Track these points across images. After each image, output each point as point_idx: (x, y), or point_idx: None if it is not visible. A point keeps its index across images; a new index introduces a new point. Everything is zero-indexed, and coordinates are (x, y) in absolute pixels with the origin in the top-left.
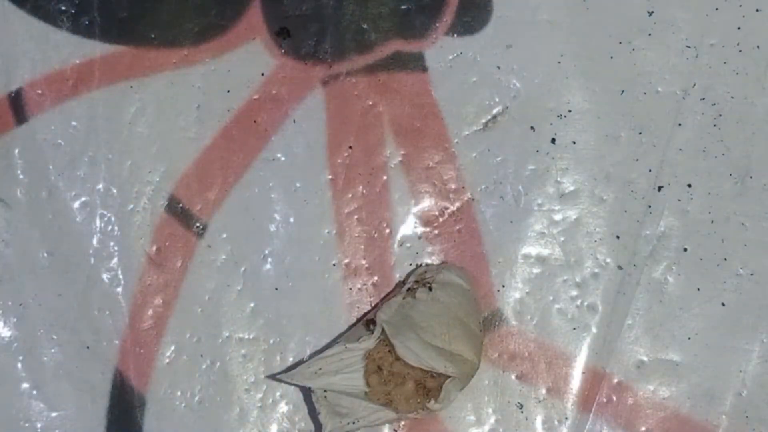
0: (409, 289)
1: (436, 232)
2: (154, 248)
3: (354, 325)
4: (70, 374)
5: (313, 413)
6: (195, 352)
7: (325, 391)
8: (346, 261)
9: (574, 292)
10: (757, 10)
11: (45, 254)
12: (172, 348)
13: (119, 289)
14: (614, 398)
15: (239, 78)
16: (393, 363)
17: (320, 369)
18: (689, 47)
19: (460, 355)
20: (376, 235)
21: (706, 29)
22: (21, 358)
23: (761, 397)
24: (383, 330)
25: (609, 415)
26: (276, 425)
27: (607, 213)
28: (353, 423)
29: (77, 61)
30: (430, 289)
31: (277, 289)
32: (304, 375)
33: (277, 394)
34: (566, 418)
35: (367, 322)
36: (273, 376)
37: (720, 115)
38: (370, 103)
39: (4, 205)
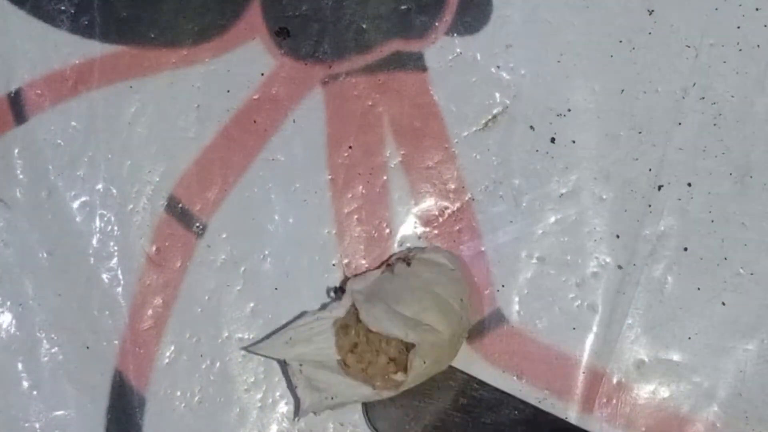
0: (388, 264)
1: (435, 232)
2: (154, 248)
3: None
4: (69, 374)
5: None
6: (195, 352)
7: (300, 364)
8: (346, 261)
9: (574, 292)
10: (757, 9)
11: (44, 254)
12: (172, 348)
13: (119, 289)
14: (614, 398)
15: (239, 78)
16: (366, 335)
17: (290, 338)
18: (689, 47)
19: (428, 326)
20: (376, 235)
21: (705, 29)
22: (20, 358)
23: (761, 397)
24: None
25: (609, 414)
26: (276, 425)
27: (606, 212)
28: (331, 399)
29: (77, 61)
30: (409, 264)
31: (276, 288)
32: (275, 346)
33: (277, 394)
34: (566, 417)
35: (335, 288)
36: (246, 348)
37: (720, 115)
38: (370, 103)
39: (4, 205)
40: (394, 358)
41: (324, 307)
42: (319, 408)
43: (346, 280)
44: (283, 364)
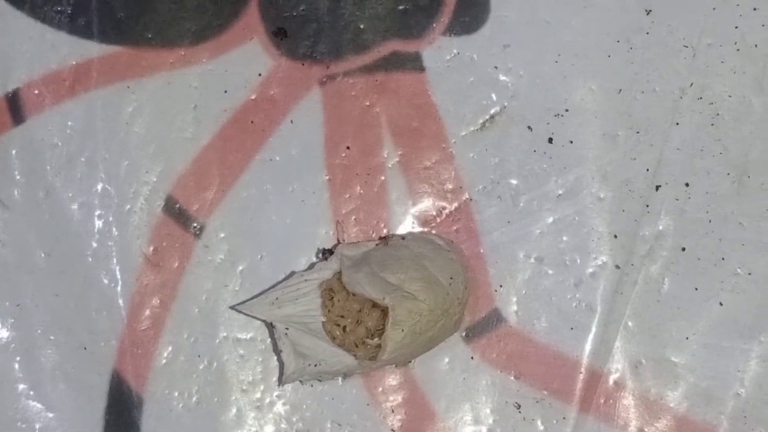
0: (382, 238)
1: (433, 232)
2: (152, 248)
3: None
4: (67, 375)
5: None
6: (192, 352)
7: (286, 328)
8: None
9: (572, 292)
10: (755, 9)
11: (42, 255)
12: (170, 348)
13: (117, 290)
14: (612, 398)
15: (236, 78)
16: (347, 302)
17: (277, 299)
18: (687, 46)
19: (409, 293)
20: (374, 236)
21: (703, 28)
22: (18, 358)
23: (759, 397)
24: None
25: (607, 415)
26: (273, 425)
27: (604, 212)
28: (315, 366)
29: (74, 62)
30: (403, 238)
31: None
32: (262, 306)
33: (275, 394)
34: (564, 418)
35: (324, 250)
36: (233, 307)
37: (717, 114)
38: (368, 103)
39: (2, 206)
40: (372, 329)
41: (312, 266)
42: (303, 375)
43: (337, 244)
44: (270, 327)
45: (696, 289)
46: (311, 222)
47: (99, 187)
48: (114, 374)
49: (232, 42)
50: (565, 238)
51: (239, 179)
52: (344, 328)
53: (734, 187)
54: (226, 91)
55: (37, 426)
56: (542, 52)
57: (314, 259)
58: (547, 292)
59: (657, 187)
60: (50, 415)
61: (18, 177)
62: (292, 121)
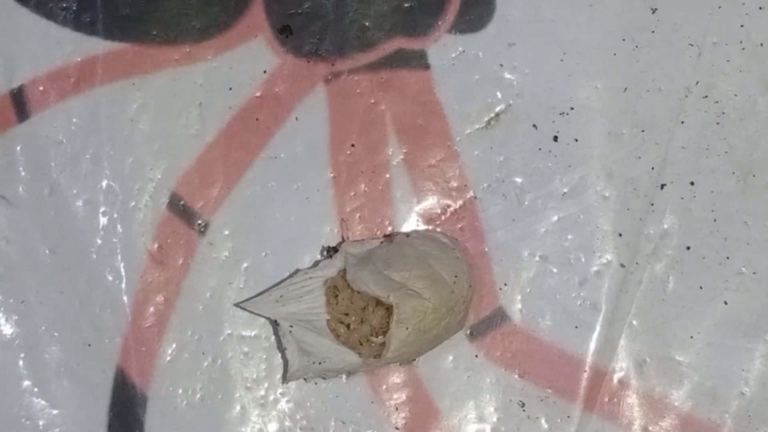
0: (386, 236)
1: (438, 230)
2: (156, 246)
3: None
4: (71, 372)
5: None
6: (196, 349)
7: (291, 325)
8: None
9: (577, 291)
10: (760, 8)
11: (47, 251)
12: (174, 346)
13: (121, 287)
14: (616, 397)
15: (241, 75)
16: (352, 299)
17: (281, 296)
18: (692, 45)
19: (414, 291)
20: (378, 233)
21: (709, 27)
22: (22, 355)
23: (764, 396)
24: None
25: (611, 413)
26: (277, 423)
27: (609, 211)
28: (319, 363)
29: (79, 58)
30: (408, 236)
31: None
32: (266, 303)
33: (278, 391)
34: (568, 416)
35: (329, 248)
36: (238, 304)
37: (723, 113)
38: (373, 101)
39: (6, 203)
40: (376, 327)
41: (317, 264)
42: (307, 372)
43: (342, 242)
44: (274, 324)
45: (701, 288)
46: (316, 220)
47: (104, 184)
48: (118, 371)
49: (237, 39)
50: (569, 237)
51: (244, 176)
52: (348, 325)
53: (739, 186)
54: (231, 89)
55: (41, 423)
56: (547, 51)
57: (319, 257)
58: (551, 291)
59: (662, 186)
60: (54, 412)
61: (23, 174)
62: (297, 119)
